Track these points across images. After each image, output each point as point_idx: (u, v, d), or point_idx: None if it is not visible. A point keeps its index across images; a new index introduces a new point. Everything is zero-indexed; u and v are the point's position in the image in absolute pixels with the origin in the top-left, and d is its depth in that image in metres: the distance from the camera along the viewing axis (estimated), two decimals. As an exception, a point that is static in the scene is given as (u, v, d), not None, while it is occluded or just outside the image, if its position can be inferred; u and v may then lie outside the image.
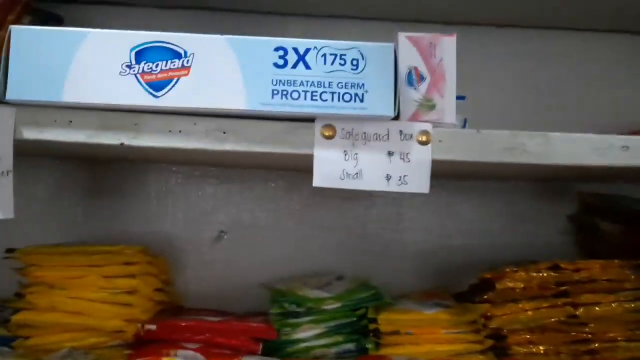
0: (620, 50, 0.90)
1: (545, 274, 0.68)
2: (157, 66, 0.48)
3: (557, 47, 0.90)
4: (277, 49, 0.49)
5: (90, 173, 0.84)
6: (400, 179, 0.50)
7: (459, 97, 0.68)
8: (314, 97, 0.48)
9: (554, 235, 0.89)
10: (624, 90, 0.89)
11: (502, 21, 0.87)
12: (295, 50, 0.49)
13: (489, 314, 0.67)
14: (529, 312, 0.67)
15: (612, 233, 0.79)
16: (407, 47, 0.51)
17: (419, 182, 0.51)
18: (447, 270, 0.89)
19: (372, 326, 0.67)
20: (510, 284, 0.68)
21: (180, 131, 0.49)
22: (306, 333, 0.67)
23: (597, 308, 0.67)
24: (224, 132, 0.49)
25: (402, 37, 0.51)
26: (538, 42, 0.90)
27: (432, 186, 0.88)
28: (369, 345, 0.67)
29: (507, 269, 0.68)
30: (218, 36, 0.48)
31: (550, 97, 0.89)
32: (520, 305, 0.67)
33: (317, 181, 0.50)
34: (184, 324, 0.65)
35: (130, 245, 0.69)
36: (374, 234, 0.88)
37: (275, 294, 0.72)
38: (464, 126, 0.68)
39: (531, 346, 0.67)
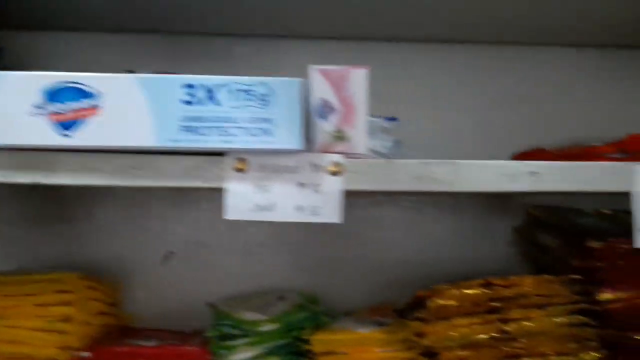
0: (569, 64, 0.92)
1: (477, 291, 0.69)
2: (67, 106, 0.49)
3: (506, 62, 0.91)
4: (185, 86, 0.49)
5: (33, 198, 0.85)
6: (312, 210, 0.51)
7: (391, 119, 0.69)
8: (222, 133, 0.49)
9: (503, 247, 0.90)
10: (573, 105, 0.91)
11: (449, 38, 0.88)
12: (204, 86, 0.50)
13: (421, 331, 0.68)
14: (461, 329, 0.68)
15: (552, 247, 0.80)
16: (319, 80, 0.52)
17: (331, 212, 0.52)
18: (401, 284, 0.89)
19: (306, 347, 0.68)
20: (442, 302, 0.69)
21: (94, 169, 0.50)
22: (243, 355, 0.68)
23: (527, 323, 0.68)
24: (136, 168, 0.50)
25: (314, 70, 0.52)
26: (486, 57, 0.91)
27: (386, 202, 0.92)
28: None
29: (440, 287, 0.69)
30: (126, 75, 0.49)
31: (498, 112, 0.91)
32: (452, 323, 0.68)
33: (229, 214, 0.51)
34: (118, 350, 0.66)
35: (71, 271, 0.70)
36: (327, 249, 0.89)
37: (214, 316, 0.73)
38: (395, 147, 0.70)
39: (463, 361, 0.68)
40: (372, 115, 0.70)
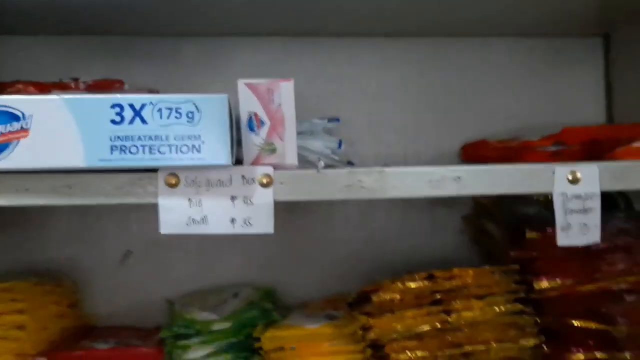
0: (507, 54, 0.94)
1: (421, 284, 0.72)
2: (-3, 129, 0.49)
3: (446, 53, 0.92)
4: (113, 106, 0.50)
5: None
6: (244, 222, 0.53)
7: (333, 120, 0.71)
8: (152, 151, 0.51)
9: (453, 236, 0.93)
10: (512, 94, 0.93)
11: (393, 31, 0.89)
12: (131, 106, 0.51)
13: (367, 325, 0.71)
14: (406, 321, 0.71)
15: (496, 236, 0.83)
16: (247, 94, 0.53)
17: (264, 223, 0.54)
18: (354, 276, 0.91)
19: (257, 344, 0.70)
20: (386, 296, 0.71)
21: (27, 189, 0.51)
22: (196, 353, 0.71)
23: (469, 313, 0.71)
24: (70, 187, 0.52)
25: (241, 84, 0.54)
26: (426, 49, 0.93)
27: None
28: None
29: (384, 281, 0.72)
30: (54, 97, 0.50)
31: (443, 103, 0.92)
32: (397, 315, 0.71)
33: (163, 229, 0.52)
34: (73, 355, 0.68)
35: (27, 276, 0.72)
36: (281, 243, 0.91)
37: (170, 316, 0.75)
38: (339, 147, 0.71)
39: (409, 353, 0.71)
40: (316, 117, 0.72)
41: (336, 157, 0.70)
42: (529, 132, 0.86)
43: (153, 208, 0.88)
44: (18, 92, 0.70)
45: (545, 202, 0.86)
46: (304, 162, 0.68)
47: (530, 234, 0.73)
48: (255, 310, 0.73)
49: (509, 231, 0.80)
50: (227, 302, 0.77)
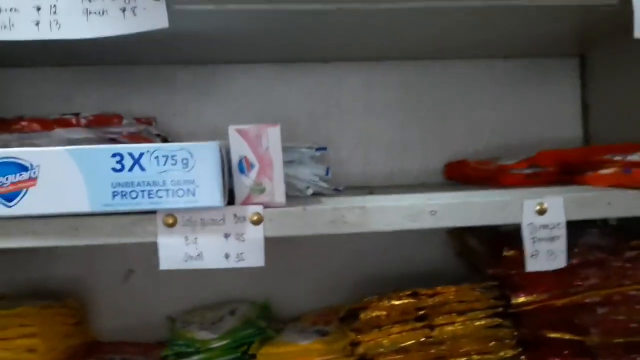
0: (489, 75, 0.98)
1: (405, 301, 0.77)
2: (7, 179, 0.54)
3: (429, 75, 0.97)
4: (114, 155, 0.55)
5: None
6: (237, 256, 0.58)
7: (320, 149, 0.75)
8: (150, 195, 0.55)
9: (439, 248, 0.97)
10: (493, 112, 0.97)
11: (380, 56, 0.93)
12: (131, 154, 0.55)
13: (356, 341, 0.76)
14: (392, 336, 0.76)
15: (480, 252, 0.88)
16: (237, 139, 0.58)
17: (255, 257, 0.58)
18: (346, 288, 0.96)
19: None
20: (374, 314, 0.76)
21: (35, 232, 0.56)
22: (195, 367, 0.76)
23: (451, 328, 0.76)
24: (76, 229, 0.56)
25: (232, 130, 0.58)
26: (409, 72, 0.97)
27: None
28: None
29: (371, 299, 0.77)
30: (60, 148, 0.54)
31: (427, 122, 0.97)
32: (383, 331, 0.76)
33: (163, 264, 0.57)
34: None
35: (34, 299, 0.77)
36: (277, 258, 0.95)
37: (171, 335, 0.80)
38: (326, 174, 0.76)
39: (395, 365, 0.76)
40: (304, 147, 0.76)
41: (324, 185, 0.74)
42: (510, 149, 0.91)
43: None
44: (22, 128, 0.74)
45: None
46: (294, 189, 0.72)
47: (507, 252, 0.77)
48: (250, 328, 0.78)
49: (489, 247, 0.85)
50: (224, 320, 0.82)
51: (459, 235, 0.94)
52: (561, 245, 0.60)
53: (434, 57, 0.94)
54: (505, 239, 0.81)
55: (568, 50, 0.95)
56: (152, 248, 0.93)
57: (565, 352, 0.76)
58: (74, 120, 0.75)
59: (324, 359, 0.76)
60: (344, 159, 0.95)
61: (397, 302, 0.77)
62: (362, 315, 0.76)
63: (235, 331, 0.78)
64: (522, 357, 0.77)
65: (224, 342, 0.76)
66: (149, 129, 0.79)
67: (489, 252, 0.84)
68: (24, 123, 0.74)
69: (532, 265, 0.61)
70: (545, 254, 0.60)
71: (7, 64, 0.88)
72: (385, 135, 0.96)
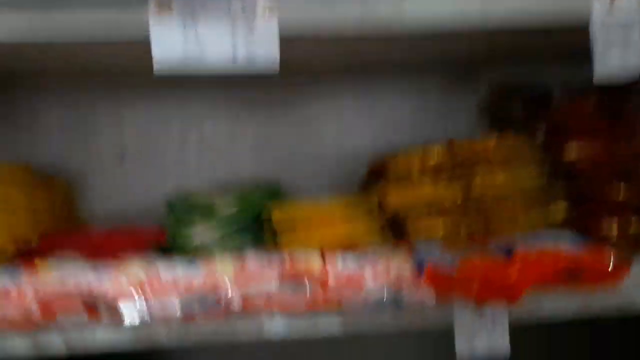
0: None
1: (440, 153, 0.66)
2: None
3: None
4: None
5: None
6: (247, 57, 0.47)
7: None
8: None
9: (467, 127, 0.87)
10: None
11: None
12: None
13: (385, 198, 0.66)
14: (425, 194, 0.65)
15: (518, 118, 0.77)
16: None
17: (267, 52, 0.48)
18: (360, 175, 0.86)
19: (267, 225, 0.65)
20: (404, 162, 0.66)
21: None
22: (202, 238, 0.66)
23: (492, 186, 0.66)
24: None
25: None
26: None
27: (344, 91, 0.87)
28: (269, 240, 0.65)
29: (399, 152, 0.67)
30: None
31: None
32: (415, 185, 0.66)
33: (158, 64, 0.47)
34: (67, 236, 0.63)
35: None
36: (285, 141, 0.85)
37: (171, 204, 0.70)
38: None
39: (429, 227, 0.66)
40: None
41: None
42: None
43: (147, 106, 0.82)
44: None
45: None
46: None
47: (560, 101, 0.67)
48: (261, 191, 0.68)
49: (534, 105, 0.74)
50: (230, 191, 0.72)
51: (498, 105, 0.83)
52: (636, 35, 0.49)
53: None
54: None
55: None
56: (148, 126, 0.84)
57: (623, 208, 0.66)
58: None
59: (348, 216, 0.66)
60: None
61: (430, 153, 0.66)
62: (390, 165, 0.66)
63: (247, 194, 0.67)
64: (574, 215, 0.67)
65: (234, 207, 0.66)
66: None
67: (534, 107, 0.73)
68: None
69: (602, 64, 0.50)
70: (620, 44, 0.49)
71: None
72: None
